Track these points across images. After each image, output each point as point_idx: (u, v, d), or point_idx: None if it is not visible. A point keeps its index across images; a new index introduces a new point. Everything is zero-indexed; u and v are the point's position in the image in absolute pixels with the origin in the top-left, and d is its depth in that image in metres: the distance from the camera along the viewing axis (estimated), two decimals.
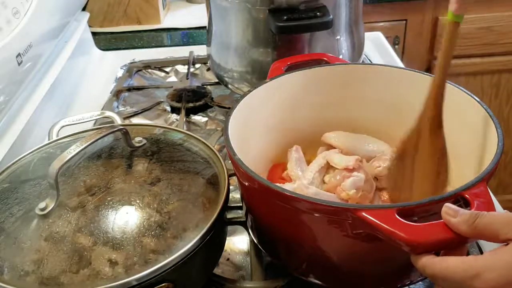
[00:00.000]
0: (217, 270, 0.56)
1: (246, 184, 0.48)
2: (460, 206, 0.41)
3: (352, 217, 0.40)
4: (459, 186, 0.44)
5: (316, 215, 0.43)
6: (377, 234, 0.39)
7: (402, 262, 0.46)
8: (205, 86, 0.96)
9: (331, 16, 0.69)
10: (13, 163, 0.56)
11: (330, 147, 0.62)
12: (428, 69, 1.51)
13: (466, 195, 0.41)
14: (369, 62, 1.02)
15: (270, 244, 0.53)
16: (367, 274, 0.48)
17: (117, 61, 1.10)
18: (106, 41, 1.22)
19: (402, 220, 0.38)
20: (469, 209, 0.39)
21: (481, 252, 0.55)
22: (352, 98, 0.65)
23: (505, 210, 0.44)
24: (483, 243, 0.57)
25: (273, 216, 0.49)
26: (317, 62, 0.67)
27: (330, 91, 0.64)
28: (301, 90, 0.63)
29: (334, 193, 0.54)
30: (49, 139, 0.64)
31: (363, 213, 0.39)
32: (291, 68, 0.64)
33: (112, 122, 0.70)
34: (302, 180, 0.56)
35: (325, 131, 0.63)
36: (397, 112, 0.64)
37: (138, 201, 0.48)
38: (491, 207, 0.39)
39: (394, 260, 0.46)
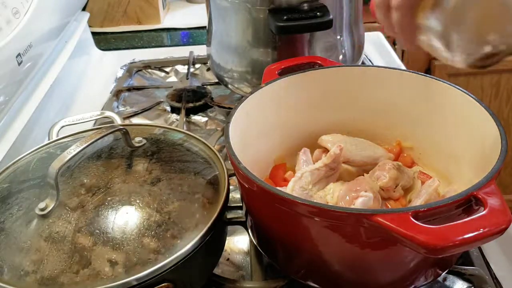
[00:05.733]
0: (217, 270, 0.56)
1: (247, 187, 0.48)
2: (472, 206, 0.42)
3: (367, 222, 0.40)
4: (461, 186, 0.44)
5: (320, 219, 0.43)
6: (393, 239, 0.39)
7: (407, 267, 0.46)
8: (205, 86, 0.96)
9: (331, 16, 0.69)
10: (13, 163, 0.56)
11: (326, 150, 0.62)
12: (428, 69, 1.51)
13: (479, 195, 0.41)
14: (369, 62, 1.02)
15: (270, 246, 0.53)
16: (370, 280, 0.48)
17: (117, 61, 1.10)
18: (106, 41, 1.22)
19: (418, 223, 0.38)
20: (483, 209, 0.39)
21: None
22: (348, 100, 0.65)
23: None
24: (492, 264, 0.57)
25: (274, 219, 0.49)
26: (311, 65, 0.67)
27: (325, 93, 0.64)
28: (297, 94, 0.63)
29: None
30: (49, 139, 0.64)
31: (379, 218, 0.39)
32: (284, 72, 0.64)
33: (112, 122, 0.70)
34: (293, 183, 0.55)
35: (321, 133, 0.63)
36: (393, 113, 0.64)
37: (138, 201, 0.48)
38: (504, 206, 0.39)
39: (399, 266, 0.46)
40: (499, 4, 0.42)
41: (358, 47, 0.82)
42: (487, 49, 0.43)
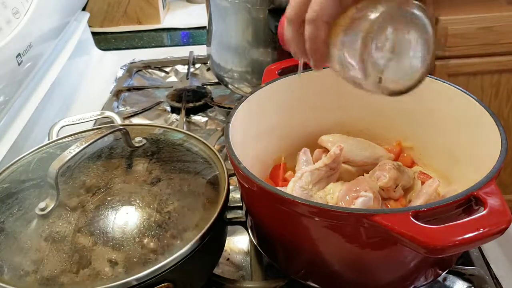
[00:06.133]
0: (217, 270, 0.56)
1: (247, 187, 0.48)
2: (472, 206, 0.42)
3: (367, 222, 0.40)
4: (461, 186, 0.44)
5: (320, 219, 0.43)
6: (393, 239, 0.39)
7: (407, 267, 0.46)
8: (205, 86, 0.96)
9: None
10: (13, 163, 0.56)
11: (326, 150, 0.62)
12: None
13: (479, 195, 0.41)
14: None
15: (270, 246, 0.53)
16: (370, 280, 0.48)
17: (117, 61, 1.10)
18: (106, 41, 1.22)
19: (418, 223, 0.38)
20: (483, 209, 0.39)
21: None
22: (348, 100, 0.65)
23: None
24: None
25: (274, 219, 0.49)
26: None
27: (325, 93, 0.64)
28: (297, 94, 0.63)
29: None
30: (49, 139, 0.64)
31: (379, 218, 0.39)
32: (284, 72, 0.64)
33: (112, 122, 0.70)
34: (293, 183, 0.55)
35: (322, 133, 0.63)
36: (393, 113, 0.64)
37: (138, 201, 0.48)
38: (504, 206, 0.39)
39: (399, 266, 0.46)
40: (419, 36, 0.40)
41: None
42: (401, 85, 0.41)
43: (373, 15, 0.39)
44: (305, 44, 0.43)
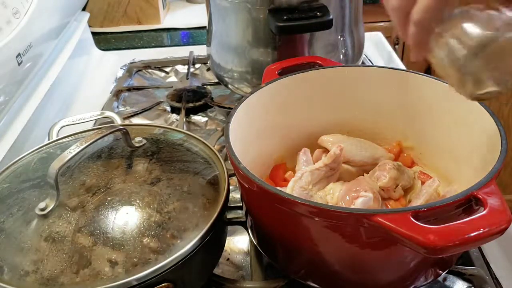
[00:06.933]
0: (217, 270, 0.56)
1: (247, 187, 0.48)
2: (472, 206, 0.42)
3: (367, 222, 0.40)
4: (461, 186, 0.44)
5: (320, 219, 0.43)
6: (393, 239, 0.39)
7: (407, 267, 0.46)
8: (205, 86, 0.96)
9: (331, 16, 0.69)
10: (13, 163, 0.56)
11: (326, 150, 0.62)
12: (428, 70, 1.51)
13: (479, 195, 0.41)
14: (369, 62, 1.02)
15: (270, 246, 0.53)
16: (370, 280, 0.48)
17: (117, 61, 1.10)
18: (106, 41, 1.22)
19: (418, 223, 0.38)
20: (483, 209, 0.39)
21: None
22: (348, 100, 0.65)
23: None
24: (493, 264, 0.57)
25: (274, 219, 0.49)
26: (311, 65, 0.67)
27: (325, 94, 0.64)
28: (297, 94, 0.63)
29: None
30: (49, 139, 0.64)
31: (379, 218, 0.39)
32: (284, 72, 0.64)
33: (112, 122, 0.70)
34: (293, 183, 0.55)
35: (322, 133, 0.63)
36: (393, 113, 0.64)
37: (138, 201, 0.48)
38: (504, 206, 0.39)
39: (399, 266, 0.46)
40: None
41: (358, 47, 0.82)
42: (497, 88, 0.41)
43: (470, 41, 0.39)
44: (408, 33, 0.43)
